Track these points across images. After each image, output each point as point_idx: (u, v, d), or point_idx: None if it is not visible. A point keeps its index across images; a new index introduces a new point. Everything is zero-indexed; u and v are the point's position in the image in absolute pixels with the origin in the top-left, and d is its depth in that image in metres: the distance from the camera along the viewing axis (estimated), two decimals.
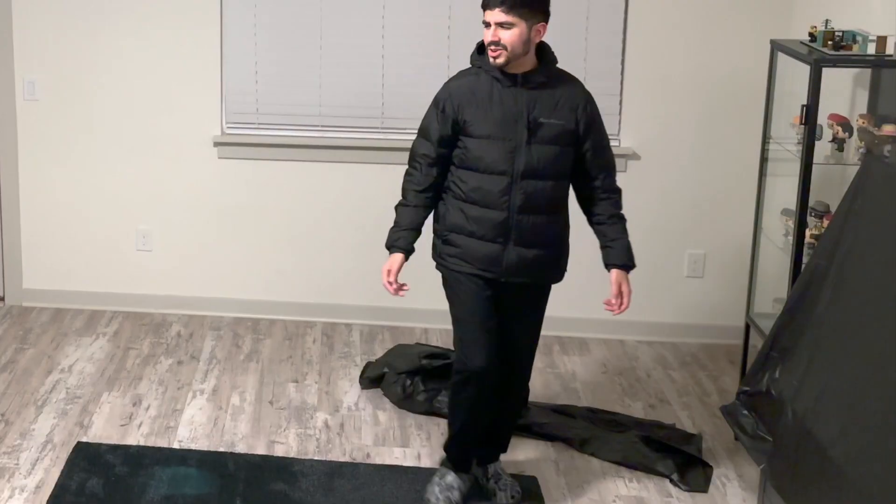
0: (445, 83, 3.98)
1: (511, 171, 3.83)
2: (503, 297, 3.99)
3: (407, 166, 4.07)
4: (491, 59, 3.79)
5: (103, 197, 5.82)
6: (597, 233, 4.00)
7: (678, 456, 4.48)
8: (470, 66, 3.95)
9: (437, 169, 3.97)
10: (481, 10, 3.80)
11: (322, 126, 5.71)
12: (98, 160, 5.78)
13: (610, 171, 3.96)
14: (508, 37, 3.73)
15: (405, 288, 4.06)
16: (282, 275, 5.84)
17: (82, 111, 5.74)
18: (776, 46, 4.71)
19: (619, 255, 3.96)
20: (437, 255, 4.08)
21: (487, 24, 3.77)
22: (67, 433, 4.63)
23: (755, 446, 3.92)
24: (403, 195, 4.04)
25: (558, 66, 3.91)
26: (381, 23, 5.58)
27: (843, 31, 4.38)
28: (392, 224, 4.07)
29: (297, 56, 5.64)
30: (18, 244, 5.91)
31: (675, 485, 4.36)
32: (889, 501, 3.04)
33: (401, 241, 4.03)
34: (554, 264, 4.01)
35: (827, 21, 4.47)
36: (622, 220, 3.98)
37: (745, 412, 4.03)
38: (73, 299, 5.92)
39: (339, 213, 5.75)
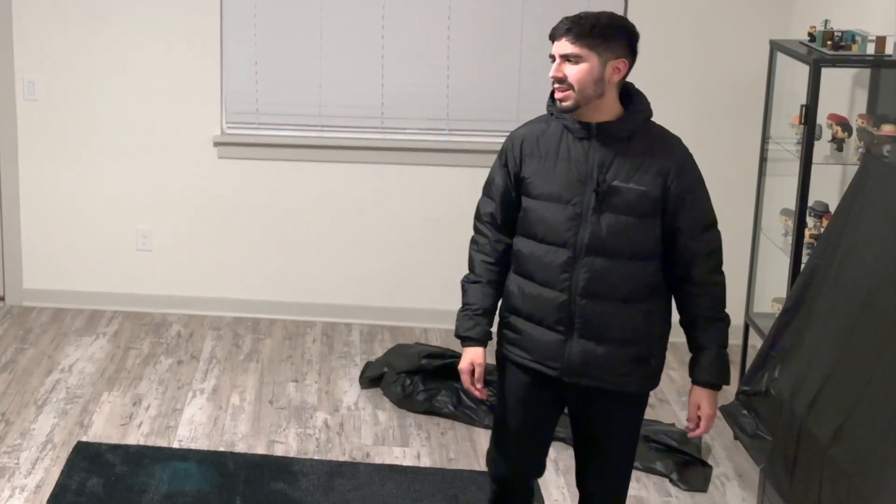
0: (512, 131, 3.25)
1: (574, 244, 3.07)
2: (573, 404, 3.24)
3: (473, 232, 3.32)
4: (558, 102, 3.08)
5: (103, 197, 5.82)
6: (687, 336, 3.20)
7: (677, 455, 4.49)
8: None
9: (508, 234, 3.22)
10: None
11: (322, 126, 5.71)
12: (98, 160, 5.78)
13: (707, 258, 3.10)
14: (575, 73, 3.00)
15: (489, 393, 3.35)
16: (282, 275, 5.85)
17: (82, 111, 5.74)
18: (776, 46, 4.72)
19: (704, 370, 3.14)
20: (498, 338, 3.33)
21: (553, 58, 3.07)
22: (67, 433, 4.63)
23: (755, 446, 3.92)
24: (470, 267, 3.28)
25: (653, 119, 3.14)
26: (381, 23, 5.59)
27: (842, 31, 4.38)
28: (460, 304, 3.31)
29: (297, 56, 5.64)
30: (18, 244, 5.92)
31: (675, 484, 4.37)
32: (889, 501, 3.04)
33: (475, 329, 3.25)
34: (635, 367, 3.15)
35: (826, 21, 4.47)
36: (718, 323, 3.14)
37: (745, 412, 4.03)
38: (73, 299, 5.93)
39: (340, 213, 5.76)
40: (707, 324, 3.13)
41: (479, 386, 3.27)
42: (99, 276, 5.91)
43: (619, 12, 5.45)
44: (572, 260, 3.08)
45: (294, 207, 5.77)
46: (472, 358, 3.26)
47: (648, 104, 3.12)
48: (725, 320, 3.17)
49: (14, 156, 5.81)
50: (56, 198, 5.84)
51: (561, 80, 3.04)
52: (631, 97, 3.11)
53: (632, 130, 3.08)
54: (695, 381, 3.17)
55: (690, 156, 3.12)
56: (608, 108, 3.06)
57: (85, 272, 5.91)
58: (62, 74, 5.71)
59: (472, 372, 3.26)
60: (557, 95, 3.06)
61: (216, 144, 5.73)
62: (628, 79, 3.12)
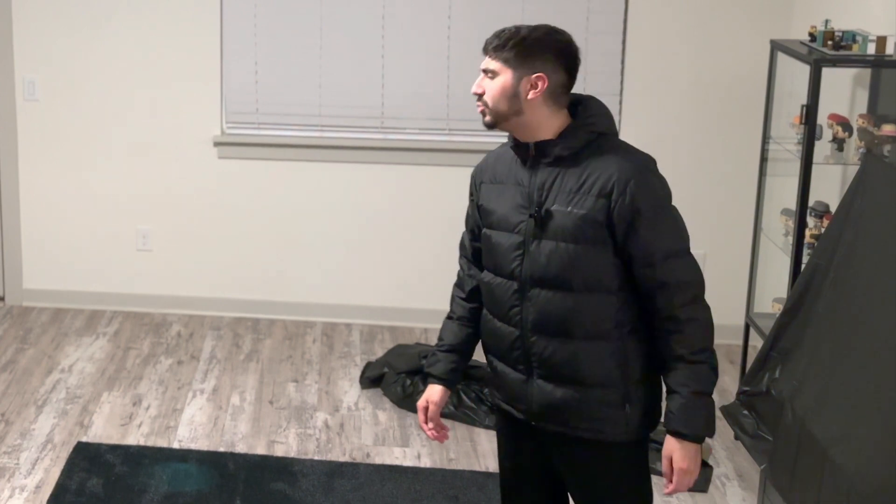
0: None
1: (519, 275, 2.80)
2: (553, 455, 2.93)
3: None
4: None
5: (103, 197, 5.82)
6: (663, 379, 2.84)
7: None
8: None
9: (479, 267, 3.00)
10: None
11: (322, 126, 5.71)
12: (98, 160, 5.78)
13: (674, 289, 2.71)
14: (489, 89, 2.78)
15: (445, 430, 3.09)
16: (282, 275, 5.85)
17: (82, 111, 5.74)
18: (776, 46, 4.71)
19: (673, 418, 2.75)
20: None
21: None
22: (67, 433, 4.63)
23: (755, 446, 3.92)
24: (450, 303, 3.11)
25: (609, 134, 2.80)
26: (381, 23, 5.59)
27: (842, 31, 4.38)
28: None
29: (297, 56, 5.64)
30: (18, 244, 5.91)
31: None
32: (889, 502, 3.04)
33: (436, 366, 3.05)
34: (608, 412, 2.79)
35: (827, 21, 4.47)
36: (694, 364, 2.72)
37: (745, 412, 4.04)
38: (73, 299, 5.92)
39: (339, 213, 5.75)
40: (677, 364, 2.72)
41: (429, 425, 3.04)
42: (99, 276, 5.91)
43: (619, 14, 5.51)
44: (519, 292, 2.80)
45: (294, 207, 5.77)
46: (428, 395, 3.04)
47: (602, 117, 2.79)
48: (705, 362, 2.72)
49: (14, 156, 5.81)
50: (56, 198, 5.84)
51: (479, 96, 2.82)
52: (582, 109, 2.81)
53: (574, 148, 2.75)
54: (666, 429, 2.78)
55: (647, 172, 2.72)
56: (543, 126, 2.77)
57: (85, 272, 5.91)
58: (62, 74, 5.71)
59: (427, 410, 3.03)
60: (479, 111, 2.84)
61: (216, 144, 5.73)
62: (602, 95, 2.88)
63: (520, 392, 2.86)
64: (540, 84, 2.75)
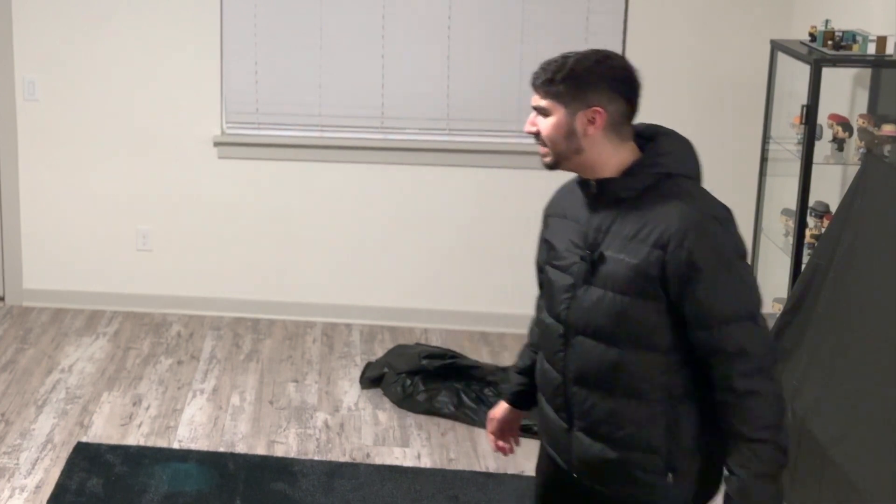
0: None
1: (566, 319, 2.61)
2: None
3: None
4: None
5: (103, 197, 5.82)
6: None
7: None
8: None
9: None
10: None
11: (322, 126, 5.71)
12: (98, 160, 5.78)
13: (734, 358, 2.42)
14: (545, 128, 2.57)
15: (506, 447, 2.99)
16: (282, 275, 5.84)
17: (82, 111, 5.74)
18: (776, 46, 4.71)
19: (730, 502, 2.46)
20: None
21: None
22: (67, 433, 4.63)
23: None
24: (529, 327, 2.97)
25: (680, 176, 2.53)
26: (381, 23, 5.59)
27: (843, 31, 4.38)
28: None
29: (297, 56, 5.64)
30: (18, 244, 5.91)
31: None
32: (889, 501, 3.04)
33: (504, 385, 3.08)
34: (652, 478, 2.55)
35: (827, 21, 4.47)
36: (753, 444, 2.42)
37: None
38: (73, 299, 5.92)
39: (340, 213, 5.75)
40: (736, 442, 2.43)
41: (491, 437, 2.97)
42: (99, 276, 5.90)
43: (620, 15, 5.50)
44: (564, 338, 2.61)
45: (294, 207, 5.77)
46: (493, 410, 2.97)
47: (673, 156, 2.54)
48: (769, 441, 2.41)
49: (14, 156, 5.81)
50: (56, 198, 5.84)
51: (536, 136, 2.61)
52: (654, 146, 2.55)
53: (635, 190, 2.50)
54: None
55: (712, 223, 2.43)
56: (608, 163, 2.53)
57: (85, 272, 5.91)
58: (62, 74, 5.71)
59: (492, 421, 2.96)
60: (540, 152, 2.63)
61: (216, 144, 5.73)
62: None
63: (562, 441, 2.67)
64: (597, 118, 2.51)
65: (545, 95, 2.56)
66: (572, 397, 2.60)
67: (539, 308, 2.81)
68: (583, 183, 2.60)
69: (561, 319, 2.62)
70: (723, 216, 2.47)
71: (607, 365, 2.53)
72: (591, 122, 2.51)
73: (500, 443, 2.98)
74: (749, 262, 2.39)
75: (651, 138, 2.57)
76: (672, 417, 2.51)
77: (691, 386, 2.51)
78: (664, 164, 2.52)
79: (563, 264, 2.63)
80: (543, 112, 2.57)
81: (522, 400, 2.90)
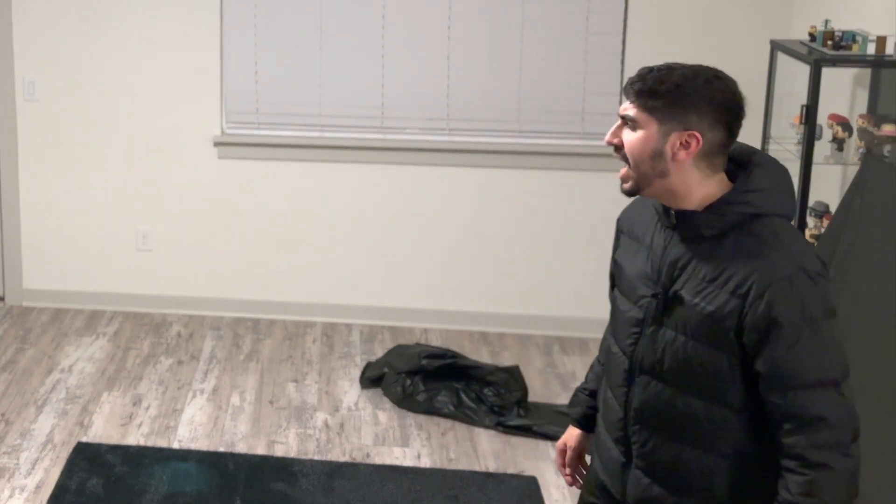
0: None
1: (632, 354, 2.42)
2: None
3: None
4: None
5: (103, 197, 5.82)
6: None
7: None
8: None
9: None
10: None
11: (322, 126, 5.71)
12: (98, 160, 5.78)
13: (805, 426, 2.21)
14: (629, 142, 2.31)
15: (581, 476, 2.78)
16: (282, 275, 5.84)
17: (82, 111, 5.74)
18: (776, 46, 4.71)
19: None
20: None
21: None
22: (67, 433, 4.63)
23: None
24: (600, 345, 2.77)
25: (768, 216, 2.27)
26: (381, 23, 5.59)
27: (842, 31, 4.38)
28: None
29: (297, 56, 5.64)
30: (18, 244, 5.91)
31: None
32: (889, 501, 3.04)
33: (574, 409, 2.78)
34: None
35: (827, 21, 4.47)
36: None
37: None
38: (73, 299, 5.92)
39: (339, 213, 5.75)
40: None
41: (567, 470, 2.76)
42: (99, 276, 5.91)
43: (620, 15, 5.50)
44: (629, 373, 2.43)
45: (294, 207, 5.77)
46: (565, 438, 2.77)
47: (764, 193, 2.27)
48: None
49: (14, 156, 5.81)
50: (56, 198, 5.84)
51: (616, 149, 2.34)
52: (741, 179, 2.29)
53: (718, 228, 2.26)
54: None
55: (799, 276, 2.19)
56: (693, 193, 2.29)
57: (85, 272, 5.91)
58: (62, 74, 5.71)
59: (565, 452, 2.77)
60: (620, 175, 2.36)
61: (216, 144, 5.73)
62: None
63: (616, 473, 2.51)
64: (693, 143, 2.26)
65: (640, 107, 2.29)
66: (633, 434, 2.44)
67: (609, 329, 2.59)
68: (661, 209, 2.36)
69: (627, 354, 2.42)
70: (814, 270, 2.22)
71: (674, 411, 2.35)
72: (685, 146, 2.27)
73: (576, 475, 2.77)
74: (836, 315, 2.22)
75: (744, 165, 2.32)
76: (738, 472, 2.33)
77: (762, 446, 2.31)
78: (754, 202, 2.26)
79: (633, 295, 2.41)
80: (632, 123, 2.30)
81: (593, 422, 2.69)
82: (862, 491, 3.14)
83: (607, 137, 2.35)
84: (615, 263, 2.53)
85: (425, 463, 4.47)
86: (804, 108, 4.30)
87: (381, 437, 4.67)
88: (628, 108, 2.31)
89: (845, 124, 4.42)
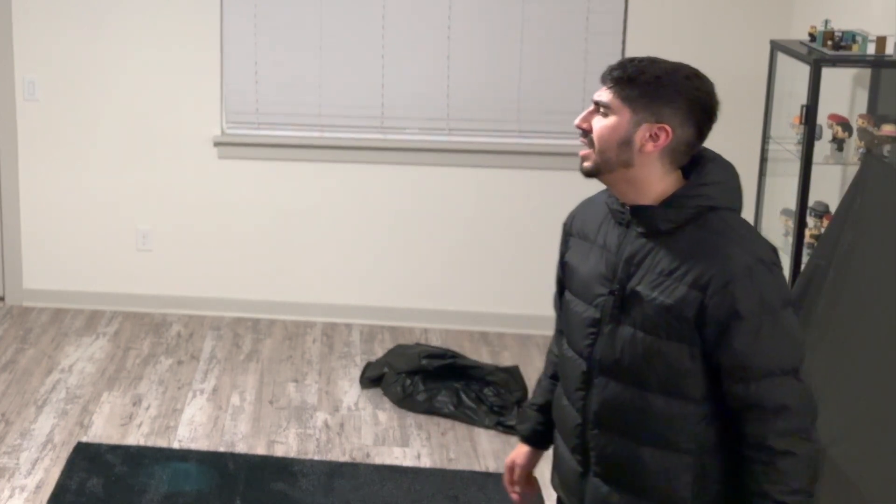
0: None
1: (589, 356, 2.39)
2: None
3: None
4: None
5: (103, 197, 5.82)
6: None
7: None
8: None
9: None
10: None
11: (322, 126, 5.71)
12: (98, 160, 5.78)
13: (769, 414, 2.23)
14: (599, 127, 2.30)
15: (533, 493, 2.74)
16: (282, 275, 5.84)
17: (82, 111, 5.74)
18: (776, 46, 4.71)
19: None
20: None
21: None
22: (67, 433, 4.63)
23: None
24: (546, 358, 2.74)
25: (723, 209, 2.31)
26: (381, 23, 5.59)
27: (842, 31, 4.38)
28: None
29: (297, 56, 5.64)
30: (18, 244, 5.91)
31: None
32: (889, 501, 3.04)
33: (522, 425, 2.73)
34: None
35: (827, 21, 4.47)
36: None
37: None
38: (73, 299, 5.92)
39: (339, 213, 5.75)
40: (760, 503, 2.25)
41: (515, 488, 2.70)
42: (99, 276, 5.90)
43: (620, 15, 5.50)
44: (586, 375, 2.39)
45: (294, 207, 5.77)
46: (513, 455, 2.71)
47: (719, 187, 2.31)
48: None
49: (14, 156, 5.81)
50: (56, 198, 5.84)
51: (584, 133, 2.34)
52: (696, 175, 2.30)
53: (675, 222, 2.27)
54: None
55: (758, 268, 2.22)
56: (651, 187, 2.29)
57: (85, 272, 5.91)
58: (62, 74, 5.71)
59: (513, 470, 2.71)
60: (580, 153, 2.35)
61: (216, 144, 5.73)
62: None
63: (574, 485, 2.47)
64: (662, 137, 2.26)
65: (616, 94, 2.28)
66: (591, 440, 2.40)
67: (559, 337, 2.57)
68: (616, 205, 2.36)
69: (584, 356, 2.38)
70: (769, 259, 2.26)
71: (635, 410, 2.32)
72: (654, 138, 2.26)
73: (524, 493, 2.71)
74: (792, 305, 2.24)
75: (693, 161, 2.33)
76: (701, 470, 2.31)
77: (723, 438, 2.30)
78: (710, 195, 2.29)
79: (588, 296, 2.37)
80: (605, 110, 2.29)
81: (543, 439, 2.66)
82: (863, 491, 3.15)
83: (577, 121, 2.34)
84: (564, 266, 2.50)
85: (425, 463, 4.47)
86: (804, 109, 4.30)
87: (381, 437, 4.67)
88: (603, 94, 2.30)
89: (845, 124, 4.42)
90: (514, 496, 2.72)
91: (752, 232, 2.30)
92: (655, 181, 2.29)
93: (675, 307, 2.23)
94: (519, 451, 2.70)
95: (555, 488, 2.58)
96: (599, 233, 2.40)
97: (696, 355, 2.25)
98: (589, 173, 2.33)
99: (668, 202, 2.28)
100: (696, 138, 2.30)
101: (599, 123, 2.29)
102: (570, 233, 2.50)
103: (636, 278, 2.29)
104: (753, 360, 2.21)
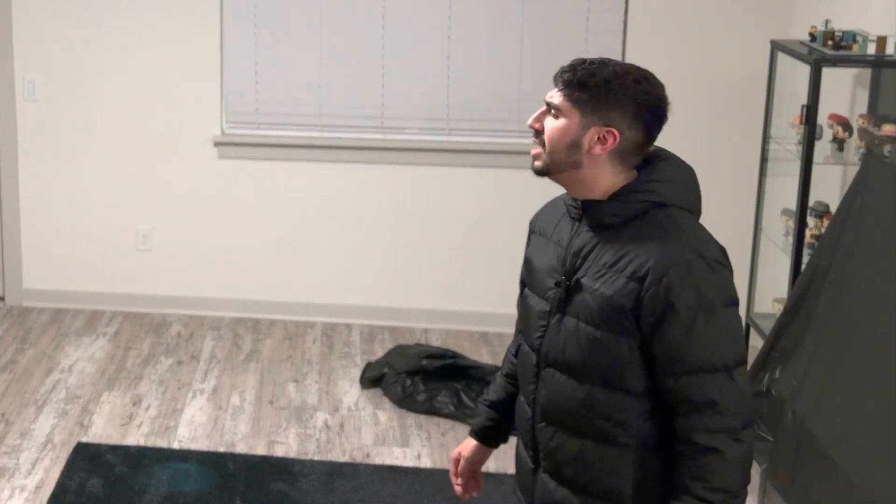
0: None
1: (539, 348, 2.41)
2: None
3: None
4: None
5: (103, 197, 5.82)
6: None
7: None
8: None
9: None
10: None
11: (322, 126, 5.71)
12: (98, 160, 5.78)
13: (701, 410, 2.23)
14: (549, 129, 2.33)
15: (477, 487, 2.76)
16: (282, 275, 5.84)
17: (82, 111, 5.74)
18: (776, 46, 4.71)
19: None
20: None
21: None
22: (67, 433, 4.63)
23: (756, 447, 3.91)
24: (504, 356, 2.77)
25: (674, 207, 2.31)
26: (381, 23, 5.58)
27: (843, 31, 4.38)
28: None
29: (297, 56, 5.64)
30: (18, 244, 5.91)
31: None
32: (889, 501, 3.04)
33: (474, 420, 2.74)
34: None
35: (827, 21, 4.47)
36: (695, 500, 2.24)
37: None
38: (73, 299, 5.92)
39: (339, 212, 5.75)
40: (683, 497, 2.24)
41: (458, 480, 2.72)
42: (99, 276, 5.90)
43: (619, 14, 5.49)
44: (536, 368, 2.41)
45: (294, 207, 5.77)
46: (461, 448, 2.74)
47: (667, 185, 2.32)
48: (706, 501, 2.23)
49: (14, 156, 5.81)
50: (56, 198, 5.84)
51: (536, 133, 2.36)
52: (647, 172, 2.32)
53: (621, 216, 2.30)
54: None
55: (696, 262, 2.23)
56: (601, 185, 2.31)
57: (85, 272, 5.91)
58: (62, 74, 5.71)
59: (458, 462, 2.72)
60: (532, 152, 2.38)
61: (216, 144, 5.72)
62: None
63: (526, 481, 2.50)
64: (610, 140, 2.28)
65: (566, 96, 2.30)
66: (538, 434, 2.42)
67: (517, 336, 2.61)
68: (569, 200, 2.41)
69: (535, 348, 2.41)
70: (713, 257, 2.26)
71: (576, 403, 2.33)
72: (602, 141, 2.29)
73: (463, 484, 2.72)
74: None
75: (649, 160, 2.35)
76: (643, 466, 2.31)
77: (665, 435, 2.30)
78: (657, 191, 2.30)
79: (541, 289, 2.41)
80: (555, 112, 2.32)
81: (492, 436, 2.69)
82: (863, 491, 3.15)
83: (530, 121, 2.37)
84: (525, 263, 2.53)
85: (425, 463, 4.47)
86: (804, 108, 4.30)
87: (381, 437, 4.67)
88: (554, 96, 2.32)
89: (845, 124, 4.42)
90: (457, 488, 2.74)
91: (700, 231, 2.31)
92: (605, 180, 2.32)
93: (614, 298, 2.26)
94: (466, 443, 2.72)
95: (514, 490, 2.59)
96: (556, 229, 2.43)
97: (634, 348, 2.27)
98: (539, 172, 2.37)
99: (615, 196, 2.31)
100: (644, 140, 2.31)
101: (550, 125, 2.33)
102: (533, 230, 2.54)
103: (582, 270, 2.32)
104: (685, 354, 2.22)
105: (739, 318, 2.30)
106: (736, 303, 2.29)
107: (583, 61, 2.32)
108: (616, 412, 2.30)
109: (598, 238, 2.32)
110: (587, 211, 2.34)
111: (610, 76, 2.29)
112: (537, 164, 2.36)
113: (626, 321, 2.26)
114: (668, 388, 2.26)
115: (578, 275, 2.33)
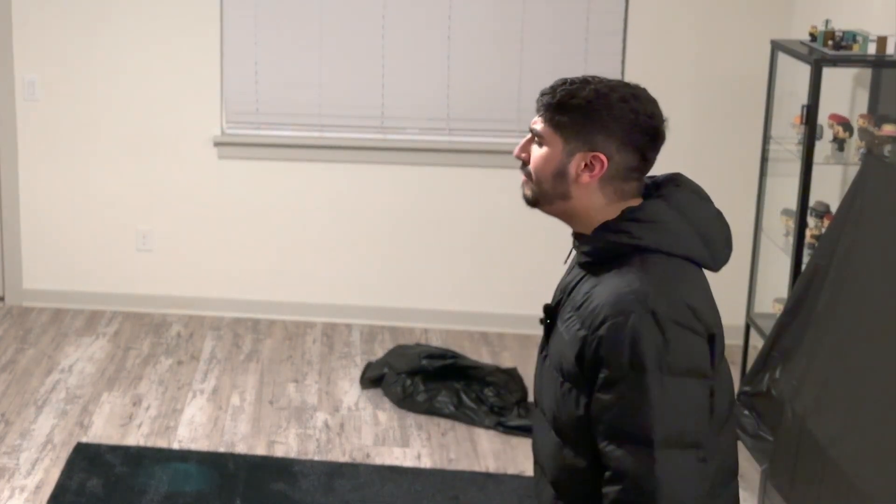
0: None
1: (535, 384, 2.32)
2: None
3: None
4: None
5: (103, 197, 5.82)
6: None
7: None
8: None
9: None
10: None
11: (322, 126, 5.71)
12: (98, 160, 5.78)
13: (612, 477, 2.01)
14: (534, 158, 2.13)
15: None
16: (282, 275, 5.84)
17: (82, 111, 5.74)
18: (776, 46, 4.71)
19: None
20: None
21: None
22: (67, 433, 4.62)
23: (755, 446, 3.92)
24: None
25: (647, 250, 2.05)
26: (381, 23, 5.58)
27: (843, 31, 4.38)
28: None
29: (297, 56, 5.64)
30: (18, 244, 5.91)
31: None
32: (889, 501, 3.04)
33: None
34: None
35: (827, 21, 4.47)
36: None
37: (746, 412, 4.03)
38: (73, 299, 5.92)
39: (339, 212, 5.75)
40: None
41: None
42: (99, 276, 5.90)
43: (620, 15, 5.49)
44: (536, 405, 2.28)
45: (294, 207, 5.77)
46: None
47: (644, 225, 2.05)
48: None
49: (14, 156, 5.81)
50: (56, 198, 5.84)
51: (523, 164, 2.16)
52: (634, 207, 2.08)
53: (592, 255, 2.09)
54: None
55: (638, 312, 1.97)
56: (592, 217, 2.09)
57: (85, 272, 5.91)
58: (62, 74, 5.71)
59: None
60: (522, 181, 2.17)
61: (216, 144, 5.72)
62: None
63: (537, 486, 2.32)
64: (597, 166, 2.06)
65: (546, 121, 2.11)
66: (537, 482, 2.26)
67: None
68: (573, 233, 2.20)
69: (536, 390, 2.26)
70: (669, 316, 1.97)
71: (549, 450, 2.15)
72: (588, 168, 2.06)
73: None
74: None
75: (660, 187, 2.12)
76: None
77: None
78: (635, 234, 2.04)
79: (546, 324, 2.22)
80: (538, 139, 2.12)
81: None
82: (863, 491, 3.15)
83: (515, 151, 2.17)
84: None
85: (425, 463, 4.47)
86: (805, 108, 4.30)
87: (381, 437, 4.67)
88: (536, 122, 2.14)
89: (846, 124, 4.42)
90: None
91: (674, 284, 2.02)
92: (597, 212, 2.09)
93: (568, 345, 2.06)
94: None
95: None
96: (569, 260, 2.26)
97: (582, 405, 2.04)
98: (529, 202, 2.16)
99: (594, 232, 2.09)
100: (639, 163, 2.08)
101: (535, 153, 2.12)
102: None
103: (561, 309, 2.15)
104: (604, 416, 1.99)
105: (700, 391, 1.99)
106: (697, 373, 1.99)
107: (564, 81, 2.13)
108: (564, 462, 2.11)
109: (580, 277, 2.12)
110: (579, 245, 2.15)
111: (591, 96, 2.07)
112: (526, 193, 2.15)
113: (575, 372, 2.04)
114: (600, 432, 2.02)
115: (559, 315, 2.15)
